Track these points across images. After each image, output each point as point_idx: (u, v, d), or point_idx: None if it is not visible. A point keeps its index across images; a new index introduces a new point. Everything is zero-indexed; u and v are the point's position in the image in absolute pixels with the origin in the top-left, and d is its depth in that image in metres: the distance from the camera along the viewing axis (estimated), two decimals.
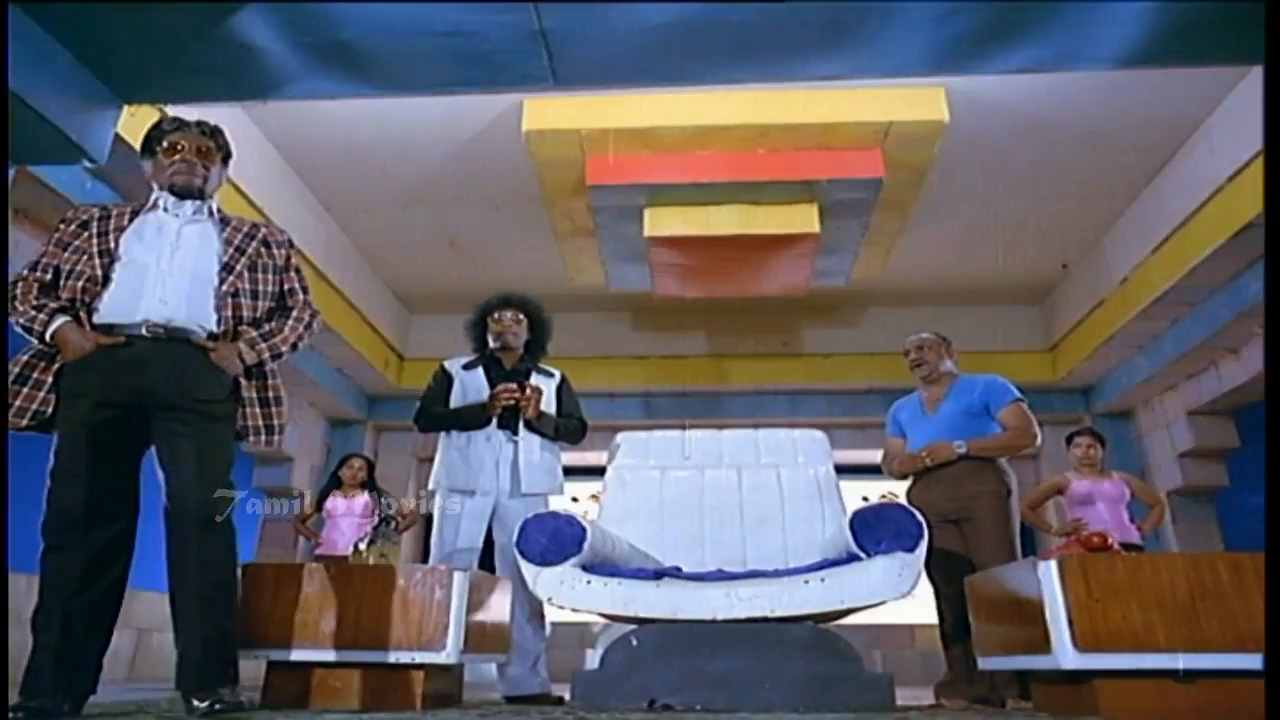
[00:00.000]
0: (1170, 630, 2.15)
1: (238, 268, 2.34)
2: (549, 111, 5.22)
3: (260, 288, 2.38)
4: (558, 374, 3.57)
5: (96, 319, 2.19)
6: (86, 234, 2.28)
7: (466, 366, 3.49)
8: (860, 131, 5.27)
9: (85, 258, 2.24)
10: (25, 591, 4.51)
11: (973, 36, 3.13)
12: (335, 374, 7.48)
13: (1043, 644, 2.25)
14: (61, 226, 2.31)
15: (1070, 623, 2.18)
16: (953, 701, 3.12)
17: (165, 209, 2.35)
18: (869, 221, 5.95)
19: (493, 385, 3.33)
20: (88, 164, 3.36)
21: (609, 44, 3.16)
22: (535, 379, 3.42)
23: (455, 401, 3.40)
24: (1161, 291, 5.91)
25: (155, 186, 2.39)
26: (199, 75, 3.28)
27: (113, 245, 2.26)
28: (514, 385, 3.29)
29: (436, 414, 3.40)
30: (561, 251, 6.76)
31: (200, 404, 2.19)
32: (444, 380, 3.46)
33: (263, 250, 2.42)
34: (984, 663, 2.76)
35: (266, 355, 2.34)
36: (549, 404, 3.43)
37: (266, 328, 2.37)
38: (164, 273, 2.24)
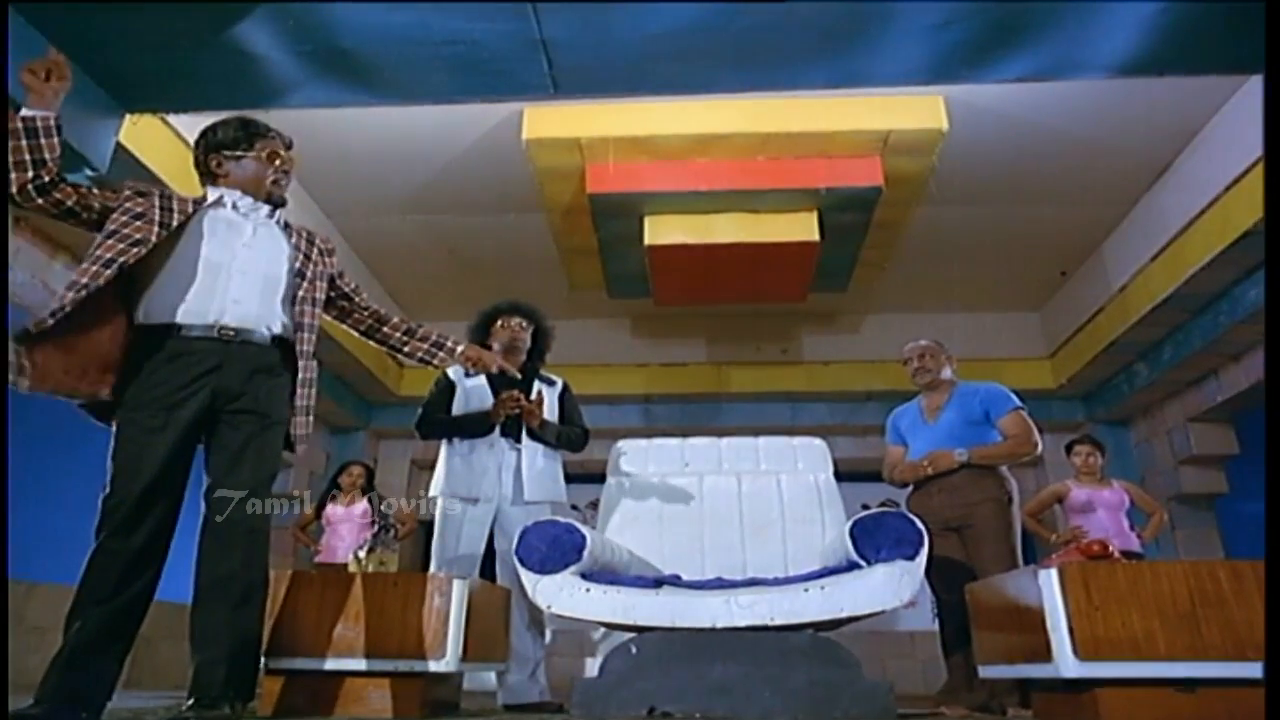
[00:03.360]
0: (1171, 638, 2.15)
1: (309, 274, 2.33)
2: (549, 119, 5.22)
3: (318, 295, 2.37)
4: (560, 381, 3.57)
5: (161, 318, 2.12)
6: (146, 201, 2.17)
7: (469, 373, 3.48)
8: (859, 140, 5.28)
9: (139, 222, 2.12)
10: (24, 596, 4.52)
11: (970, 45, 3.14)
12: (334, 380, 7.49)
13: (1043, 652, 2.25)
14: (115, 189, 2.19)
15: (1071, 631, 2.18)
16: (953, 709, 3.11)
17: (235, 207, 2.30)
18: (869, 228, 5.96)
19: (496, 393, 3.33)
20: (89, 173, 3.37)
21: (609, 53, 3.17)
22: (538, 386, 3.43)
23: (458, 408, 3.40)
24: (1161, 299, 5.91)
25: (219, 184, 2.32)
26: (201, 84, 3.29)
27: (174, 223, 2.16)
28: (518, 393, 3.29)
29: (439, 421, 3.40)
30: (562, 258, 6.77)
31: (265, 408, 2.16)
32: (446, 387, 3.46)
33: (320, 259, 2.42)
34: (984, 671, 2.76)
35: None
36: (552, 412, 3.43)
37: (410, 325, 2.58)
38: (238, 273, 2.21)
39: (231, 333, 2.16)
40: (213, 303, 2.16)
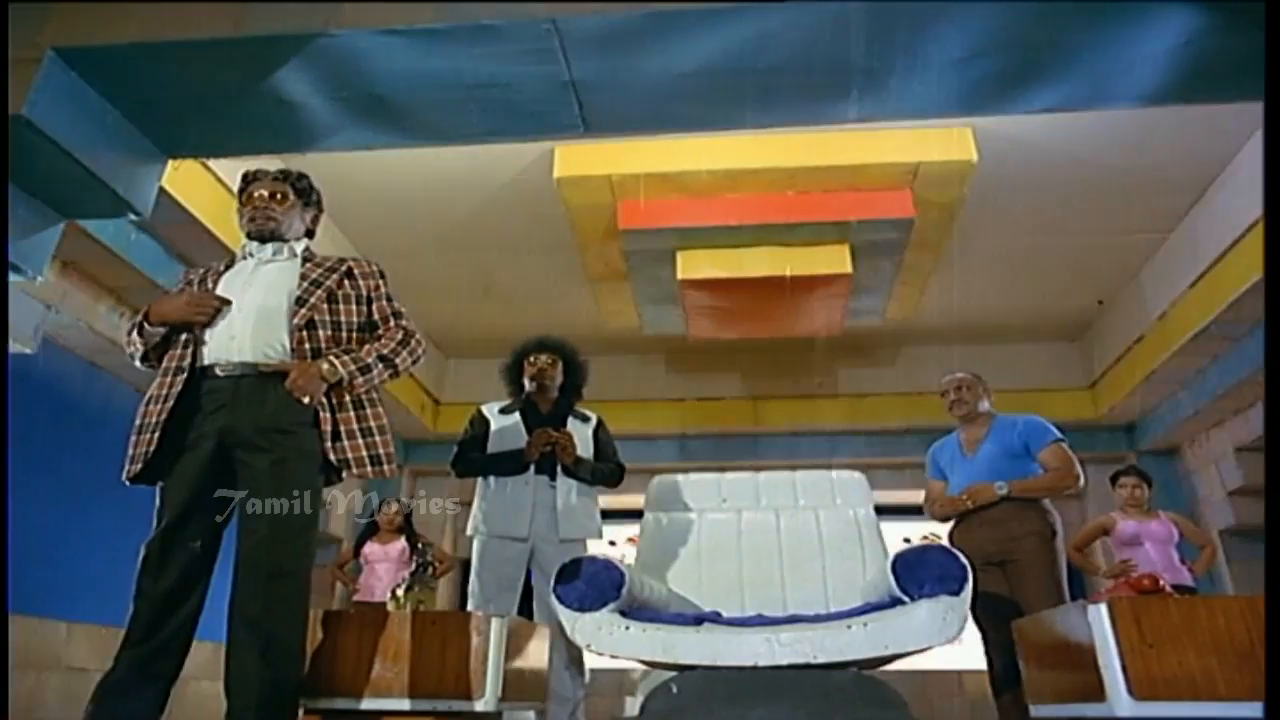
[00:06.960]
0: (1230, 677, 2.07)
1: (311, 300, 2.32)
2: (580, 157, 5.28)
3: (342, 319, 2.38)
4: (594, 417, 3.57)
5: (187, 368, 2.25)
6: (189, 286, 2.41)
7: (503, 411, 3.50)
8: (889, 172, 5.28)
9: None
10: (65, 637, 4.57)
11: (997, 78, 3.13)
12: None
13: (1096, 691, 2.18)
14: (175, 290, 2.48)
15: (1124, 669, 2.11)
16: None
17: (249, 254, 2.45)
18: (901, 261, 5.93)
19: (529, 430, 3.34)
20: (133, 217, 3.45)
21: (638, 92, 3.20)
22: (572, 423, 3.42)
23: (492, 446, 3.40)
24: (1201, 327, 5.80)
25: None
26: (241, 130, 3.36)
27: (211, 287, 2.37)
28: (551, 432, 3.29)
29: (474, 459, 3.40)
30: (595, 295, 6.80)
31: (278, 436, 2.14)
32: (481, 425, 3.47)
33: (345, 282, 2.44)
34: (1036, 710, 2.68)
35: (352, 367, 2.27)
36: (586, 448, 3.42)
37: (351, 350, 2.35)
38: (236, 311, 2.28)
39: (233, 368, 2.21)
40: (213, 344, 2.25)
